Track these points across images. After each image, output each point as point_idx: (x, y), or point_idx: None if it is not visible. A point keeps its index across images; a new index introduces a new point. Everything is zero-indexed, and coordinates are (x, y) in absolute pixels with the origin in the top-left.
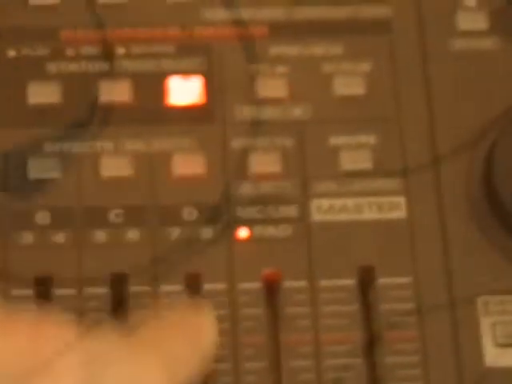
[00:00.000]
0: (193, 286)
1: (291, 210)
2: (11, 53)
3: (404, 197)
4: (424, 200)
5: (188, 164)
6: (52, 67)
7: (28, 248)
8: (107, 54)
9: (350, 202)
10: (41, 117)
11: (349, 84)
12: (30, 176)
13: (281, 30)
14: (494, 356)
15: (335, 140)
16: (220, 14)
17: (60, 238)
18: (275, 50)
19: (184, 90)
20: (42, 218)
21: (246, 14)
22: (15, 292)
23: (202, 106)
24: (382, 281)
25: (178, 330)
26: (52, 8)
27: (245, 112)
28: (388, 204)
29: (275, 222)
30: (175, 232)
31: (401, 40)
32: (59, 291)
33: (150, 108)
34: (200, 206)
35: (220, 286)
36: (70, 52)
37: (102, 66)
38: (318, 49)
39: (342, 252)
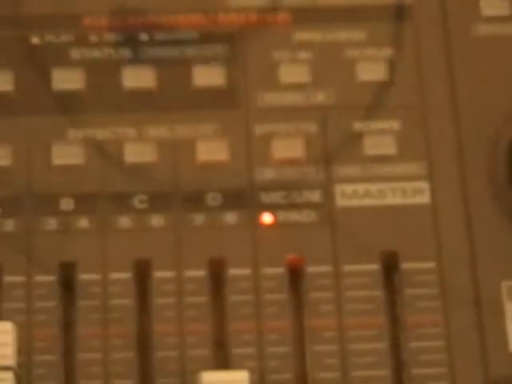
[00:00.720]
0: (217, 271)
1: (315, 195)
2: (35, 40)
3: (428, 182)
4: (448, 185)
5: (212, 150)
6: (75, 54)
7: (52, 234)
8: (131, 41)
9: (373, 187)
10: (65, 103)
11: (372, 70)
12: (54, 162)
13: (304, 16)
14: None
15: (359, 125)
16: (244, 0)
17: (84, 223)
18: (298, 36)
19: (207, 77)
20: (66, 204)
21: (269, 0)
22: (39, 278)
23: (225, 93)
24: (406, 266)
25: None
26: None
27: (268, 98)
28: (412, 189)
29: (299, 207)
30: (199, 217)
31: (424, 26)
32: (83, 277)
33: (174, 94)
34: (224, 192)
35: (244, 271)
36: (93, 38)
37: (125, 52)
38: (341, 34)
39: (365, 237)
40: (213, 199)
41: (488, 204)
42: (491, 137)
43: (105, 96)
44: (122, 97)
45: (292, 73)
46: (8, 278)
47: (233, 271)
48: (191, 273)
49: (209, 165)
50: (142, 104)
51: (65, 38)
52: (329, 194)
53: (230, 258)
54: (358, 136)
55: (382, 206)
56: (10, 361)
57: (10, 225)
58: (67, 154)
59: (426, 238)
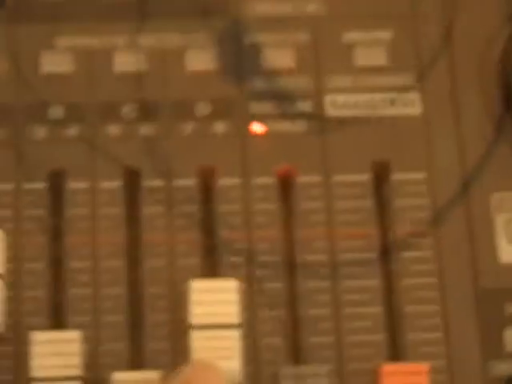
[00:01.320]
0: (206, 179)
1: (305, 105)
2: None
3: (419, 93)
4: (439, 96)
5: (202, 59)
6: None
7: (41, 142)
8: None
9: (364, 97)
10: (53, 11)
11: None
12: (43, 70)
13: None
14: (508, 252)
15: (349, 36)
16: None
17: (72, 132)
18: None
19: None
20: (55, 112)
21: None
22: (28, 186)
23: (216, 2)
24: (397, 176)
25: None
26: None
27: (259, 7)
28: (403, 100)
29: (289, 117)
30: (188, 127)
31: None
32: (72, 185)
33: (164, 3)
34: (214, 101)
35: (234, 180)
36: None
37: None
38: None
39: (356, 147)
40: (203, 108)
41: (479, 115)
42: (483, 47)
43: (94, 4)
44: (112, 5)
45: None
46: None
47: (222, 180)
48: (181, 181)
49: (198, 74)
50: (132, 13)
51: None
52: (319, 104)
53: (220, 167)
54: (349, 46)
55: (373, 116)
56: (0, 269)
57: None
58: (56, 62)
59: (417, 148)
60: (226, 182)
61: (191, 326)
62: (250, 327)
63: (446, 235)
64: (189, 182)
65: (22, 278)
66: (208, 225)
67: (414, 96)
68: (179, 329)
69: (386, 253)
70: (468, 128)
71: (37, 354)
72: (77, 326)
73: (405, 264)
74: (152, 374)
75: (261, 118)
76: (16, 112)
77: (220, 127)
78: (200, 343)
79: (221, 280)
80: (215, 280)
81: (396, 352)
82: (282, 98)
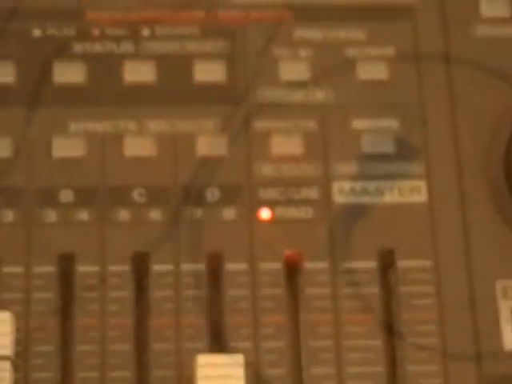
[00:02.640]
0: (214, 265)
1: (313, 192)
2: (36, 32)
3: (425, 181)
4: (444, 184)
5: (211, 145)
6: (77, 47)
7: (51, 226)
8: (132, 35)
9: (371, 184)
10: (66, 96)
11: (372, 69)
12: (55, 155)
13: (305, 14)
14: None
15: (357, 123)
16: None
17: (83, 216)
18: (299, 33)
19: (208, 72)
20: (66, 196)
21: None
22: (37, 269)
23: (225, 88)
24: (402, 264)
25: None
26: None
27: (268, 94)
28: (409, 188)
29: (297, 203)
30: (198, 212)
31: (424, 26)
32: (82, 268)
33: (174, 89)
34: (222, 187)
35: (241, 266)
36: (95, 32)
37: (126, 46)
38: (342, 33)
39: (362, 234)
40: (211, 194)
41: (484, 202)
42: (489, 135)
43: (106, 90)
44: (123, 91)
45: (292, 70)
46: (7, 269)
47: (230, 266)
48: (189, 266)
49: (208, 160)
50: (143, 98)
51: (67, 31)
52: (327, 191)
53: (228, 252)
54: (357, 134)
55: (380, 203)
56: (8, 351)
57: (9, 216)
58: (68, 146)
59: (422, 236)
60: (234, 266)
61: None
62: None
63: (449, 321)
64: (197, 267)
65: (31, 361)
66: (215, 310)
67: (420, 184)
68: None
69: (391, 338)
70: (473, 216)
71: None
72: None
73: (409, 351)
74: None
75: (268, 204)
76: (27, 195)
77: (228, 213)
78: None
79: (228, 355)
80: (222, 355)
81: None
82: (290, 185)
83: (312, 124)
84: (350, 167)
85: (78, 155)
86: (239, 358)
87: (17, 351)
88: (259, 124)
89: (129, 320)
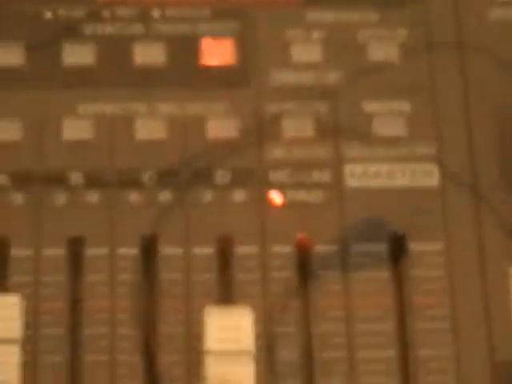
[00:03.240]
0: (224, 248)
1: (324, 175)
2: (47, 14)
3: (437, 164)
4: (457, 167)
5: (222, 128)
6: (88, 29)
7: (61, 208)
8: (143, 17)
9: (383, 168)
10: (76, 78)
11: (384, 51)
12: (65, 137)
13: None
14: None
15: (369, 106)
16: None
17: (93, 198)
18: (311, 15)
19: (218, 54)
20: (76, 178)
21: None
22: (47, 252)
23: (236, 70)
24: (414, 247)
25: None
26: None
27: (279, 76)
28: (421, 171)
29: (308, 186)
30: (208, 195)
31: (437, 9)
32: (91, 251)
33: (185, 71)
34: (233, 170)
35: (252, 249)
36: (105, 14)
37: (137, 28)
38: (354, 15)
39: (374, 218)
40: (222, 177)
41: (496, 184)
42: (501, 119)
43: (115, 72)
44: (133, 73)
45: (304, 52)
46: (16, 252)
47: (240, 249)
48: (199, 250)
49: (218, 142)
50: (153, 80)
51: (77, 13)
52: (338, 174)
53: (238, 235)
54: (368, 116)
55: (392, 187)
56: (17, 334)
57: (18, 199)
58: (77, 128)
59: (434, 219)
60: (244, 249)
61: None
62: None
63: (461, 306)
64: (207, 250)
65: (40, 344)
66: (225, 293)
67: (432, 167)
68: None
69: (403, 323)
70: (485, 198)
71: None
72: None
73: (420, 335)
74: None
75: (279, 187)
76: (37, 178)
77: (239, 196)
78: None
79: (235, 307)
80: (229, 307)
81: None
82: (301, 168)
83: (323, 106)
84: (361, 150)
85: (87, 137)
86: (247, 311)
87: (26, 334)
88: (270, 107)
89: (137, 303)
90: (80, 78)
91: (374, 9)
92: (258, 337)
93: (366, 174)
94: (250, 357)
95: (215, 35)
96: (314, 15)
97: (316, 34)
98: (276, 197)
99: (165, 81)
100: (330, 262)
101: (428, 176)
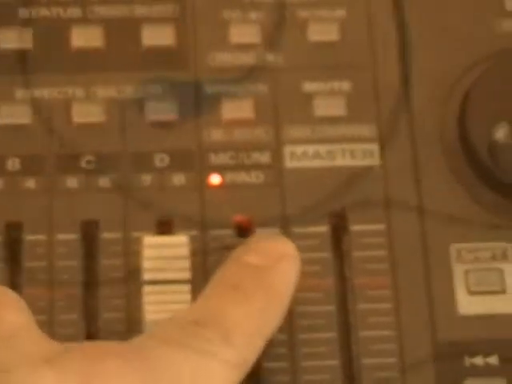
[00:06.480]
0: (164, 232)
1: (264, 157)
2: None
3: (377, 144)
4: (397, 147)
5: (160, 111)
6: (23, 13)
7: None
8: (79, 0)
9: (323, 148)
10: (12, 63)
11: (323, 30)
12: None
13: None
14: (466, 304)
15: (309, 86)
16: None
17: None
18: None
19: (157, 36)
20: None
21: None
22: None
23: (174, 52)
24: (355, 228)
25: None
26: None
27: (218, 58)
28: (361, 151)
29: (248, 168)
30: (147, 178)
31: None
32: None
33: (123, 54)
34: (172, 153)
35: (192, 232)
36: None
37: (74, 11)
38: None
39: (314, 199)
40: (161, 160)
41: (438, 166)
42: (442, 97)
43: (53, 56)
44: (71, 56)
45: (242, 33)
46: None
47: (180, 232)
48: (139, 233)
49: (158, 125)
50: (91, 64)
51: None
52: (278, 156)
53: (178, 219)
54: (308, 97)
55: (332, 167)
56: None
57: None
58: (15, 114)
59: (375, 200)
60: (184, 233)
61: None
62: None
63: (403, 286)
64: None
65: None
66: None
67: (372, 147)
68: None
69: (344, 305)
70: (427, 179)
71: None
72: None
73: (362, 316)
74: None
75: (219, 170)
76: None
77: (178, 179)
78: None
79: (172, 236)
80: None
81: None
82: (241, 150)
83: (263, 87)
84: (301, 131)
85: (25, 122)
86: (183, 239)
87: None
88: (209, 88)
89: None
90: (17, 63)
91: None
92: None
93: (305, 154)
94: None
95: (153, 18)
96: None
97: (254, 15)
98: (215, 179)
99: (103, 64)
100: None
101: (368, 156)
